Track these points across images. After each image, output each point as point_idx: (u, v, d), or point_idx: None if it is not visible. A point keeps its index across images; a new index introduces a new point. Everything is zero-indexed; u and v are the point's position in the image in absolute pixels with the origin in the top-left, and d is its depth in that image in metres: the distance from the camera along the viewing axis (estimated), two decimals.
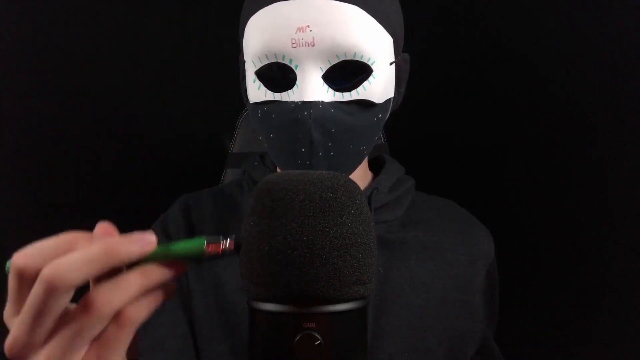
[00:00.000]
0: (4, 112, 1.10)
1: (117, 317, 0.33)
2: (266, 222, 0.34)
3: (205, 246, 0.35)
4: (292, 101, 0.56)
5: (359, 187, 0.37)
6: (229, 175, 1.06)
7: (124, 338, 0.34)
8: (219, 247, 0.35)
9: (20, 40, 1.11)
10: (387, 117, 0.63)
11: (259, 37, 0.56)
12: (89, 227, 0.35)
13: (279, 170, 0.69)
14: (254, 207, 0.35)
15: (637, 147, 0.93)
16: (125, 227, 0.53)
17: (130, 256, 0.33)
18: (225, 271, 0.64)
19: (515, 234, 1.08)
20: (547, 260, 1.08)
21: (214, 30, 1.21)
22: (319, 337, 0.32)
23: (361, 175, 0.68)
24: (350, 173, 0.62)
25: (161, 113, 1.22)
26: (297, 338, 0.32)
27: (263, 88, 0.58)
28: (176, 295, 0.63)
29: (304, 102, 0.55)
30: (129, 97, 1.19)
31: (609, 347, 0.93)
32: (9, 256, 0.34)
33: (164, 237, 0.67)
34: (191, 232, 0.67)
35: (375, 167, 0.74)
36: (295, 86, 0.56)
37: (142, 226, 0.69)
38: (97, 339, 0.34)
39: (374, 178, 0.72)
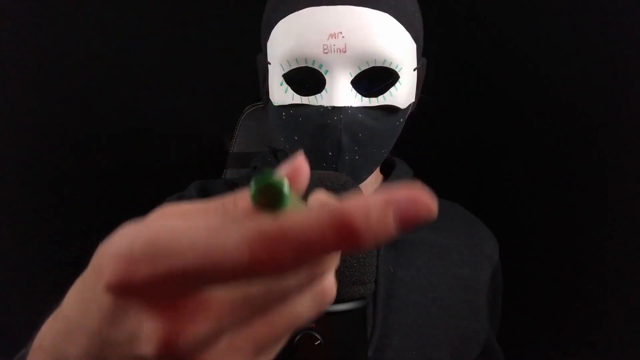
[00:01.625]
0: (6, 109, 1.10)
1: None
2: None
3: None
4: (321, 105, 0.57)
5: (359, 187, 0.37)
6: (229, 175, 1.06)
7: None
8: None
9: (22, 37, 1.11)
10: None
11: (289, 41, 0.57)
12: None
13: None
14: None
15: None
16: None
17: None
18: None
19: (518, 235, 1.08)
20: (551, 263, 1.08)
21: (214, 29, 1.21)
22: (319, 337, 0.32)
23: (374, 177, 0.70)
24: (370, 175, 0.63)
25: (161, 113, 1.22)
26: (297, 338, 0.32)
27: (290, 91, 0.59)
28: None
29: (333, 107, 0.56)
30: (129, 97, 1.19)
31: (613, 351, 0.93)
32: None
33: None
34: None
35: (385, 168, 0.75)
36: (324, 90, 0.57)
37: None
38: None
39: (384, 179, 0.73)
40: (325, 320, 0.33)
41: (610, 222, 0.97)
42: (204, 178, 0.80)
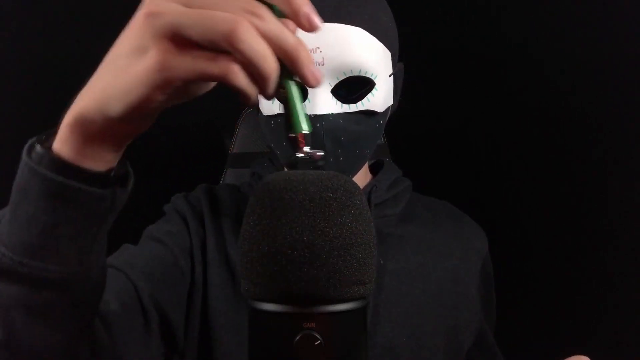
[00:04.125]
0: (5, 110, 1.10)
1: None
2: (266, 222, 0.34)
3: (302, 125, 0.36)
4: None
5: (358, 187, 0.37)
6: (229, 175, 1.06)
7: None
8: (303, 139, 0.36)
9: (21, 38, 1.11)
10: (386, 122, 0.69)
11: None
12: None
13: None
14: (254, 207, 0.35)
15: (636, 144, 0.93)
16: (125, 227, 0.53)
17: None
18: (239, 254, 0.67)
19: (512, 233, 1.08)
20: (545, 260, 1.08)
21: None
22: (319, 337, 0.32)
23: (362, 176, 0.73)
24: (355, 174, 0.68)
25: (161, 113, 1.22)
26: (297, 338, 0.32)
27: (277, 102, 0.64)
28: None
29: (316, 115, 0.61)
30: None
31: (608, 346, 0.94)
32: None
33: (186, 205, 0.72)
34: (213, 212, 0.71)
35: (375, 169, 0.79)
36: (307, 100, 0.62)
37: (142, 226, 0.70)
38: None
39: (373, 178, 0.76)
40: (325, 320, 0.33)
41: (607, 220, 0.97)
42: (203, 178, 0.80)
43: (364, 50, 0.61)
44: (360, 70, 0.61)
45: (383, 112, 0.65)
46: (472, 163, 1.20)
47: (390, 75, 0.65)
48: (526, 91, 1.10)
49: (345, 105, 0.62)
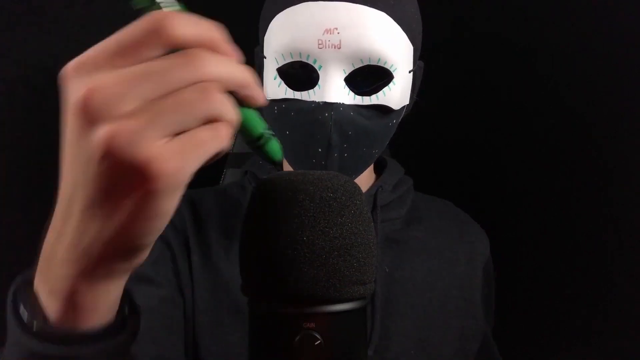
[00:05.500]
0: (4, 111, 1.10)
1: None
2: (266, 222, 0.34)
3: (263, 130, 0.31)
4: (313, 101, 0.56)
5: (359, 187, 0.37)
6: (229, 175, 1.06)
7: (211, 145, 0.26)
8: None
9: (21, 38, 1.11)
10: (399, 123, 0.64)
11: (285, 35, 0.56)
12: None
13: (284, 169, 0.69)
14: (254, 207, 0.35)
15: (637, 145, 0.93)
16: None
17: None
18: (230, 267, 0.63)
19: (513, 233, 1.08)
20: (546, 260, 1.08)
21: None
22: (319, 337, 0.32)
23: (367, 176, 0.70)
24: (359, 175, 0.63)
25: None
26: (297, 338, 0.32)
27: (283, 85, 0.58)
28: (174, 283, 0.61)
29: (325, 103, 0.56)
30: None
31: (610, 347, 0.93)
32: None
33: (169, 226, 0.65)
34: (197, 226, 0.66)
35: (377, 167, 0.75)
36: (317, 86, 0.56)
37: None
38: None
39: (377, 178, 0.73)
40: (325, 320, 0.33)
41: (608, 221, 0.97)
42: (203, 178, 0.79)
43: (385, 38, 0.55)
44: (379, 59, 0.55)
45: (398, 110, 0.60)
46: (472, 162, 1.20)
47: (410, 72, 0.60)
48: (529, 91, 1.10)
49: (358, 97, 0.56)
